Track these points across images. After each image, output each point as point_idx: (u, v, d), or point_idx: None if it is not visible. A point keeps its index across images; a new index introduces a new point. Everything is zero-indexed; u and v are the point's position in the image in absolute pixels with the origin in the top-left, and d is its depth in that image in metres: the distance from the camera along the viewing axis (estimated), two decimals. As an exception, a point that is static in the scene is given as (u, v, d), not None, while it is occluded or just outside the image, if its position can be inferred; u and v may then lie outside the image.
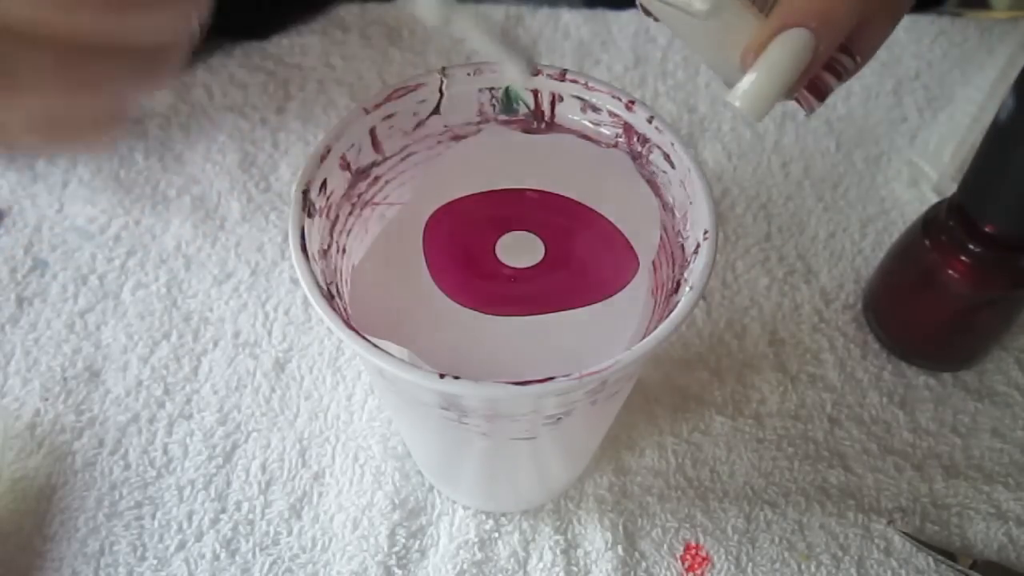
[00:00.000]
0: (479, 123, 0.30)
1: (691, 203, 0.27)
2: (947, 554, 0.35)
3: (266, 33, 0.52)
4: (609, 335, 0.27)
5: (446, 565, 0.35)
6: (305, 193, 0.26)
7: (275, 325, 0.41)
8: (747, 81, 0.25)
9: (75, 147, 0.23)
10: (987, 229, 0.34)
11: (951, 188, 0.45)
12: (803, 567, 0.35)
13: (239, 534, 0.36)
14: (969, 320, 0.37)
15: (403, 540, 0.35)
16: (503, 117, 0.30)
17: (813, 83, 0.26)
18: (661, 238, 0.28)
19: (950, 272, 0.36)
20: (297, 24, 0.52)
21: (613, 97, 0.28)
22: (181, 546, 0.35)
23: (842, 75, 0.27)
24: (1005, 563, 0.35)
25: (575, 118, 0.29)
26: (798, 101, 0.27)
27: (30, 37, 0.19)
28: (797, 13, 0.25)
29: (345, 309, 0.27)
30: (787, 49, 0.25)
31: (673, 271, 0.27)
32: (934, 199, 0.46)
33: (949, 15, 0.53)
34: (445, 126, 0.30)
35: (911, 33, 0.52)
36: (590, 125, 0.29)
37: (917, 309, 0.38)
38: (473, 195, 0.29)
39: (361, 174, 0.29)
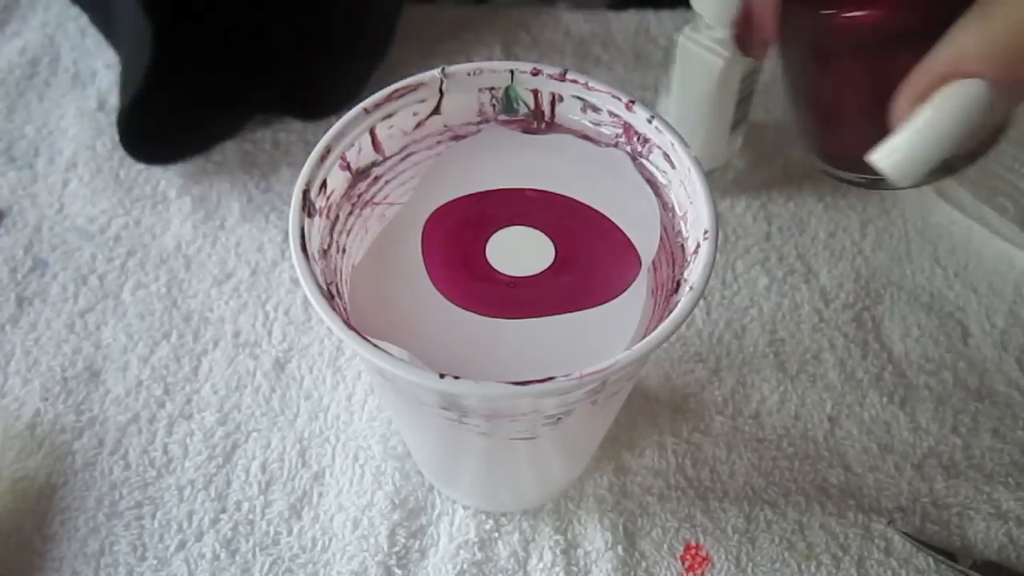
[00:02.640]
0: (479, 123, 0.30)
1: (691, 203, 0.27)
2: (947, 554, 0.35)
3: (320, 114, 0.48)
4: (609, 335, 0.27)
5: (446, 565, 0.35)
6: (305, 193, 0.26)
7: (275, 325, 0.41)
8: (898, 139, 0.20)
9: None
10: None
11: (952, 188, 0.45)
12: (803, 567, 0.35)
13: (239, 534, 0.36)
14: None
15: (403, 540, 0.35)
16: (503, 117, 0.30)
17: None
18: (661, 238, 0.28)
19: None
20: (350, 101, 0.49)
21: (613, 97, 0.28)
22: (181, 546, 0.35)
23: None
24: (1005, 563, 0.35)
25: (575, 118, 0.29)
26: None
27: None
28: (972, 59, 0.19)
29: (345, 309, 0.27)
30: (955, 105, 0.19)
31: (673, 271, 0.27)
32: (934, 198, 0.46)
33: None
34: (445, 126, 0.30)
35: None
36: (590, 125, 0.29)
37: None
38: (472, 195, 0.29)
39: (361, 174, 0.29)
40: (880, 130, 0.22)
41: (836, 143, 0.24)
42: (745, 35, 0.26)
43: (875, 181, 0.23)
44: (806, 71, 0.25)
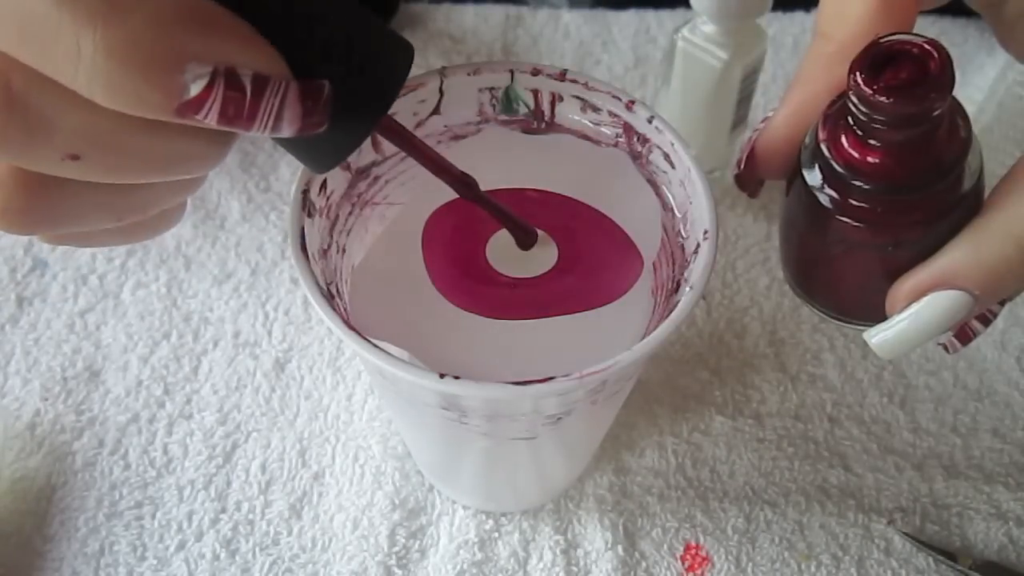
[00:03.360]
0: (479, 123, 0.30)
1: (691, 203, 0.27)
2: (947, 554, 0.35)
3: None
4: (609, 335, 0.27)
5: (446, 565, 0.35)
6: (305, 193, 0.26)
7: (275, 325, 0.41)
8: (891, 327, 0.24)
9: (151, 235, 0.24)
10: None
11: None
12: (803, 567, 0.35)
13: (239, 534, 0.36)
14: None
15: (403, 540, 0.35)
16: (503, 117, 0.30)
17: (962, 329, 0.25)
18: (661, 238, 0.28)
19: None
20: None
21: (613, 97, 0.28)
22: (181, 546, 0.35)
23: (990, 321, 0.25)
24: (1005, 563, 0.35)
25: (575, 118, 0.29)
26: (943, 345, 0.26)
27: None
28: (967, 276, 0.23)
29: (345, 309, 0.27)
30: (942, 308, 0.23)
31: (673, 271, 0.27)
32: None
33: (949, 16, 0.53)
34: (445, 126, 0.30)
35: (911, 33, 0.52)
36: (590, 125, 0.29)
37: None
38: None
39: (361, 174, 0.29)
40: (859, 302, 0.26)
41: (818, 295, 0.28)
42: (746, 174, 0.27)
43: (852, 325, 0.27)
44: (802, 232, 0.27)
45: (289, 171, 0.46)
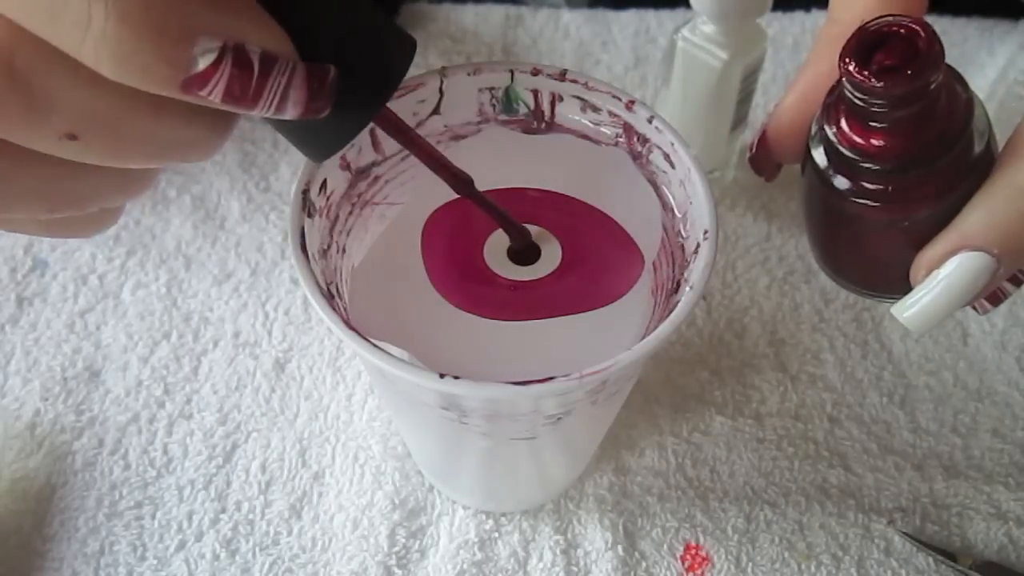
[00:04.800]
0: (479, 123, 0.30)
1: (691, 203, 0.27)
2: (947, 554, 0.35)
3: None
4: (609, 335, 0.27)
5: (446, 565, 0.35)
6: (305, 193, 0.26)
7: (275, 325, 0.41)
8: (918, 298, 0.24)
9: (76, 235, 0.24)
10: None
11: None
12: (803, 567, 0.35)
13: (239, 534, 0.36)
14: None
15: (403, 540, 0.35)
16: (503, 117, 0.30)
17: (993, 291, 0.25)
18: (661, 238, 0.28)
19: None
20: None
21: (613, 97, 0.28)
22: (181, 546, 0.35)
23: (1022, 281, 0.25)
24: (1005, 563, 0.35)
25: (575, 118, 0.29)
26: (973, 306, 0.26)
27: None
28: (979, 235, 0.23)
29: (345, 309, 0.27)
30: (966, 272, 0.23)
31: (673, 271, 0.27)
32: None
33: (949, 16, 0.53)
34: (445, 126, 0.30)
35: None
36: (590, 125, 0.29)
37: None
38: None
39: (361, 174, 0.29)
40: (886, 276, 0.26)
41: (842, 271, 0.28)
42: (762, 156, 0.27)
43: (878, 297, 0.27)
44: (820, 212, 0.27)
45: (289, 171, 0.46)
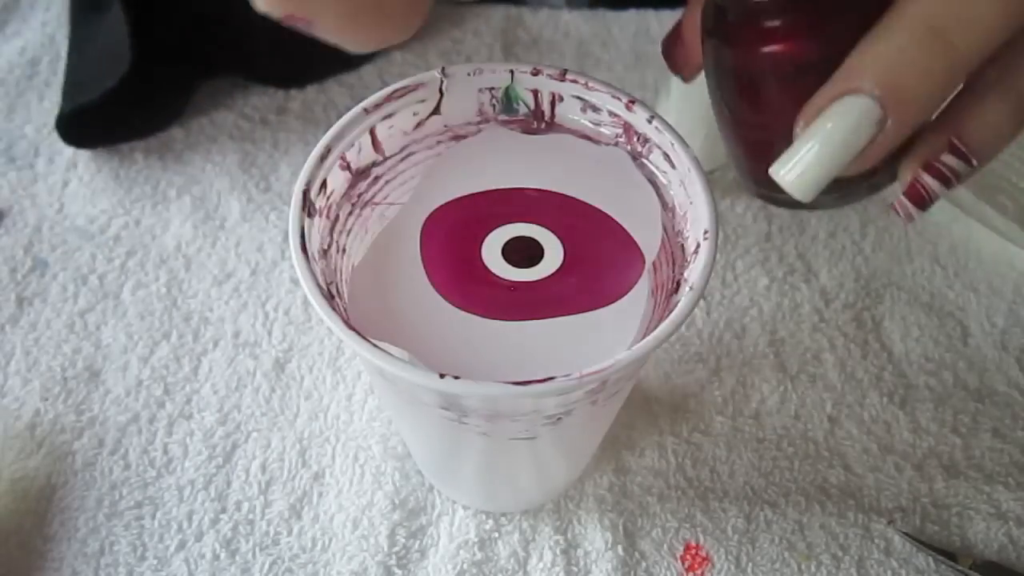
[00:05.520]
0: (479, 123, 0.30)
1: (691, 203, 0.27)
2: (947, 554, 0.35)
3: (298, 83, 0.49)
4: (609, 335, 0.27)
5: (446, 565, 0.35)
6: (305, 193, 0.26)
7: (275, 325, 0.41)
8: (796, 152, 0.22)
9: (385, 37, 0.22)
10: None
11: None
12: (803, 567, 0.35)
13: (239, 534, 0.36)
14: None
15: (403, 540, 0.35)
16: (503, 117, 0.30)
17: (912, 187, 0.22)
18: (661, 238, 0.28)
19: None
20: (328, 77, 0.50)
21: (613, 97, 0.28)
22: (181, 546, 0.35)
23: (950, 180, 0.22)
24: (1005, 563, 0.35)
25: (575, 118, 0.29)
26: (893, 207, 0.23)
27: None
28: (859, 74, 0.20)
29: (345, 309, 0.27)
30: (843, 117, 0.21)
31: (673, 271, 0.27)
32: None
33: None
34: (445, 126, 0.30)
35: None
36: (590, 125, 0.29)
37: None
38: (472, 195, 0.29)
39: (361, 174, 0.29)
40: (779, 147, 0.23)
41: (760, 166, 0.25)
42: (673, 53, 0.27)
43: (798, 202, 0.24)
44: (729, 97, 0.26)
45: (289, 171, 0.46)
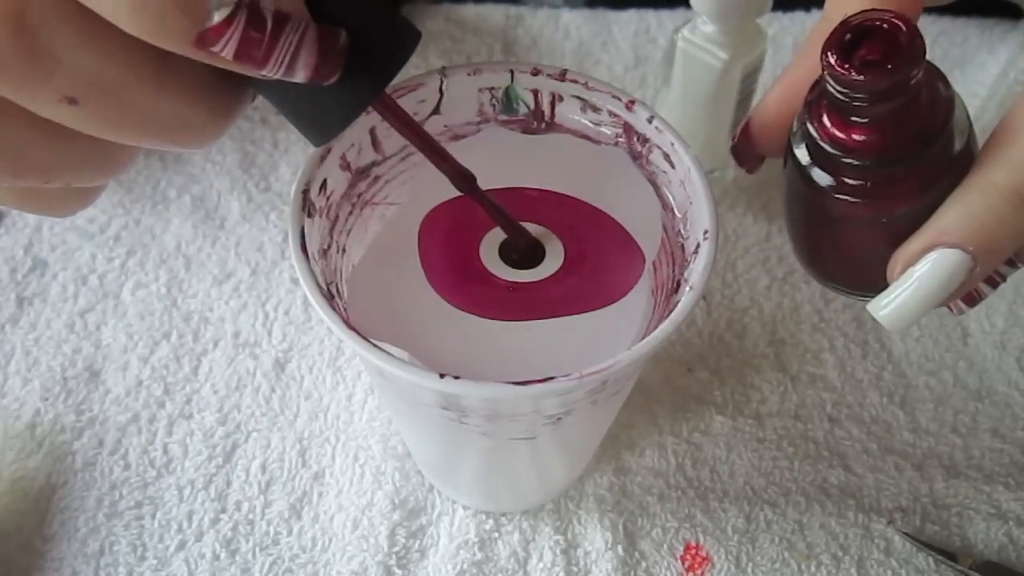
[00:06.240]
0: (479, 123, 0.30)
1: (691, 203, 0.27)
2: (947, 554, 0.35)
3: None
4: (609, 335, 0.27)
5: (446, 565, 0.35)
6: (305, 193, 0.26)
7: (275, 325, 0.41)
8: (893, 295, 0.23)
9: (49, 211, 0.23)
10: None
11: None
12: (803, 567, 0.35)
13: (239, 534, 0.36)
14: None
15: (403, 540, 0.35)
16: (503, 117, 0.30)
17: (968, 294, 0.25)
18: (661, 238, 0.28)
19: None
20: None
21: (613, 97, 0.28)
22: (181, 546, 0.35)
23: (998, 284, 0.25)
24: (1005, 563, 0.35)
25: (575, 118, 0.29)
26: (947, 306, 0.25)
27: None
28: (955, 232, 0.22)
29: (345, 309, 0.27)
30: (941, 269, 0.23)
31: (673, 271, 0.27)
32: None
33: (950, 16, 0.53)
34: (445, 126, 0.30)
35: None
36: (590, 125, 0.29)
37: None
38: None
39: (361, 174, 0.29)
40: (866, 274, 0.26)
41: (827, 269, 0.28)
42: (743, 147, 0.27)
43: (864, 297, 0.27)
44: (804, 215, 0.27)
45: (289, 171, 0.46)
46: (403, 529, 0.36)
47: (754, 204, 0.46)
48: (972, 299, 0.25)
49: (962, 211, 0.23)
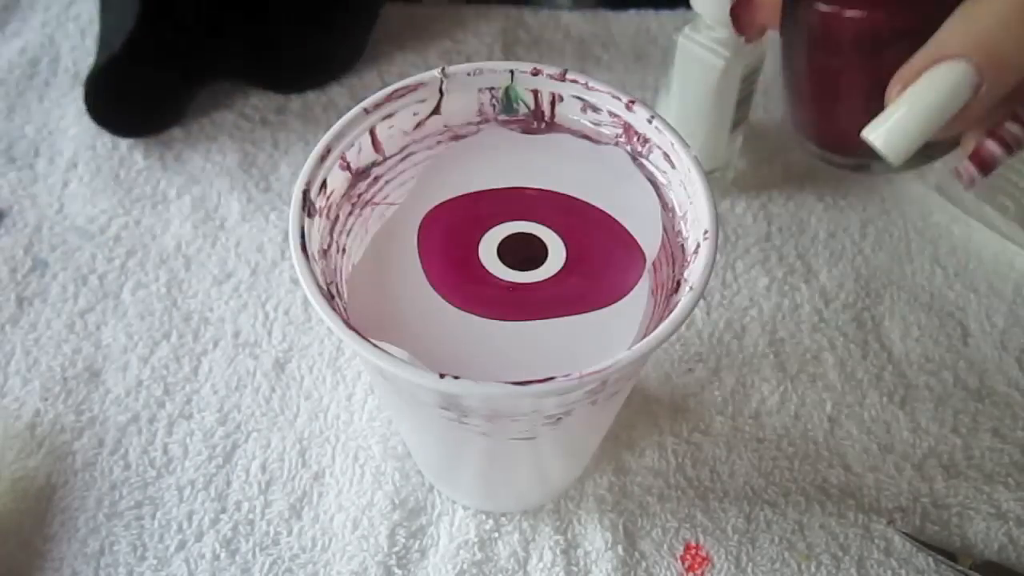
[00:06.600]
0: (479, 123, 0.30)
1: (691, 203, 0.27)
2: (947, 554, 0.35)
3: (293, 90, 0.50)
4: (609, 335, 0.27)
5: (446, 565, 0.35)
6: (305, 193, 0.26)
7: (275, 325, 0.41)
8: (890, 116, 0.22)
9: None
10: None
11: (953, 187, 0.45)
12: (803, 567, 0.35)
13: (239, 534, 0.36)
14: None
15: (403, 540, 0.35)
16: (503, 117, 0.30)
17: (976, 152, 0.23)
18: (661, 238, 0.28)
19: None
20: (323, 83, 0.50)
21: (613, 97, 0.28)
22: (181, 546, 0.35)
23: (1012, 147, 0.23)
24: (1005, 563, 0.35)
25: (575, 118, 0.29)
26: (956, 171, 0.24)
27: None
28: (957, 43, 0.21)
29: (345, 309, 0.27)
30: (942, 81, 0.21)
31: (673, 271, 0.27)
32: (936, 198, 0.46)
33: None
34: (445, 126, 0.30)
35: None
36: (590, 125, 0.29)
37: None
38: (470, 194, 0.29)
39: (361, 174, 0.29)
40: (860, 120, 0.24)
41: (830, 129, 0.26)
42: (743, 15, 0.26)
43: (863, 164, 0.25)
44: (805, 60, 0.26)
45: (289, 171, 0.46)
46: (403, 529, 0.36)
47: (754, 204, 0.46)
48: (984, 163, 0.23)
49: (965, 22, 0.21)
